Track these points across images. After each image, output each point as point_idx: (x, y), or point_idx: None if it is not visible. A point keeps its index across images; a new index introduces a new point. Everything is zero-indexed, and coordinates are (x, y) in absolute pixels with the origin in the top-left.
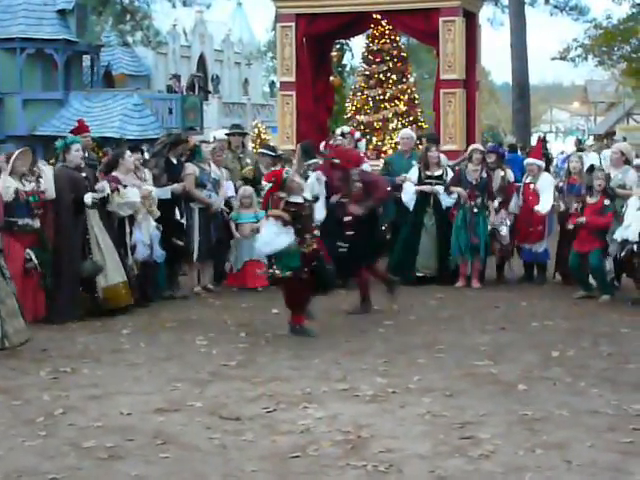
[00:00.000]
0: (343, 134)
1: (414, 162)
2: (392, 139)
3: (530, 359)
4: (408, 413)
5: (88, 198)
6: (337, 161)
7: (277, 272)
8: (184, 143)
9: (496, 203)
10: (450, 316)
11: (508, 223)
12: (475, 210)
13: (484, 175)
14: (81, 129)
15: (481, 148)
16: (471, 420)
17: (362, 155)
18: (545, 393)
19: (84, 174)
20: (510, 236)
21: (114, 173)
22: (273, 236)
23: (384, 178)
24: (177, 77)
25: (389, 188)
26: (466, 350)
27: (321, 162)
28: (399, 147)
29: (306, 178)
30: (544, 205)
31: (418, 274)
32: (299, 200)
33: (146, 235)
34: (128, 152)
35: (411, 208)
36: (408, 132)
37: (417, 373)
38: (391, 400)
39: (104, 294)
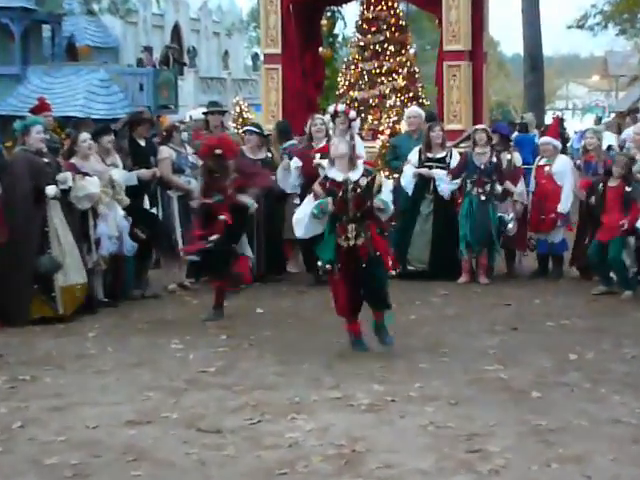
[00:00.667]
0: (336, 113)
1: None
2: (389, 117)
3: (544, 363)
4: (409, 424)
5: (51, 190)
6: (219, 151)
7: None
8: (147, 121)
9: (499, 189)
10: (455, 315)
11: (512, 213)
12: (483, 198)
13: (494, 159)
14: (42, 108)
15: (485, 127)
16: (479, 431)
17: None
18: (561, 401)
19: (46, 160)
20: (521, 226)
21: (72, 160)
22: (305, 218)
23: (264, 170)
24: (149, 49)
25: (272, 178)
26: (473, 353)
27: (301, 145)
28: (403, 127)
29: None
30: (564, 205)
31: (409, 267)
32: (338, 178)
33: (112, 227)
34: (83, 135)
35: (410, 192)
36: (415, 110)
37: (418, 379)
38: (389, 409)
39: (61, 295)
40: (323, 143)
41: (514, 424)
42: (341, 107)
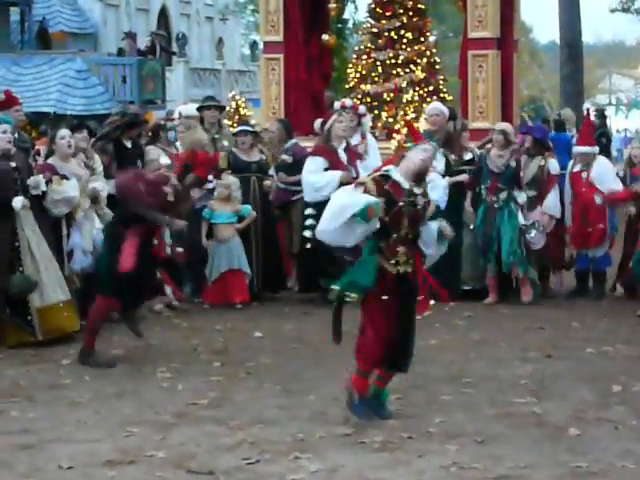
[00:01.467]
0: (344, 108)
1: None
2: (406, 114)
3: (584, 395)
4: (428, 465)
5: (17, 203)
6: (189, 165)
7: (336, 289)
8: (142, 125)
9: (524, 197)
10: (481, 340)
11: (541, 226)
12: (496, 206)
13: (512, 163)
14: (9, 102)
15: (505, 128)
16: (510, 474)
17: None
18: (604, 439)
19: (13, 164)
20: (553, 242)
21: (50, 160)
22: (341, 216)
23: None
24: (132, 36)
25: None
26: (502, 384)
27: (307, 144)
28: (421, 125)
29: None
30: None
31: (465, 287)
32: (404, 184)
33: (87, 239)
34: (62, 131)
35: (442, 206)
36: (438, 107)
37: (439, 413)
38: (406, 448)
39: (39, 318)
40: (344, 144)
41: (549, 466)
42: (349, 102)
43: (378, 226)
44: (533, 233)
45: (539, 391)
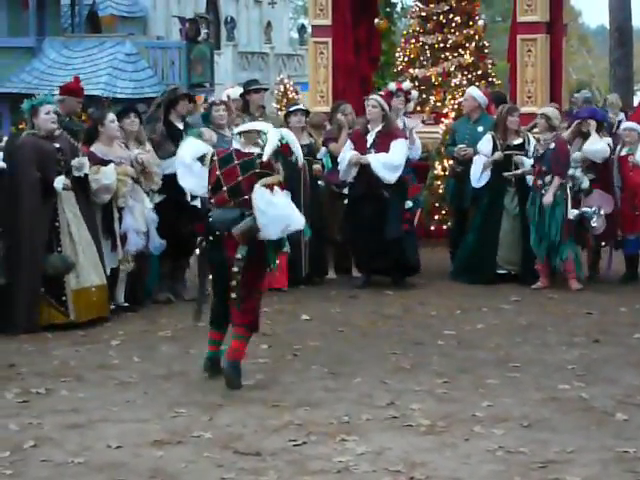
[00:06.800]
0: (392, 92)
1: (480, 128)
2: (454, 98)
3: (631, 380)
4: (474, 448)
5: (59, 183)
6: None
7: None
8: (185, 99)
9: (586, 182)
10: (528, 325)
11: (598, 208)
12: (543, 191)
13: (551, 145)
14: (76, 90)
15: (547, 111)
16: (556, 458)
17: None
18: None
19: (57, 145)
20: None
21: (93, 146)
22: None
23: None
24: (181, 20)
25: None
26: (549, 368)
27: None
28: (463, 109)
29: None
30: None
31: (500, 271)
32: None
33: (140, 220)
34: (111, 115)
35: (477, 186)
36: (472, 90)
37: (486, 397)
38: (453, 431)
39: (73, 299)
40: (379, 127)
41: (596, 450)
42: (392, 85)
43: None
44: (596, 221)
45: (586, 376)
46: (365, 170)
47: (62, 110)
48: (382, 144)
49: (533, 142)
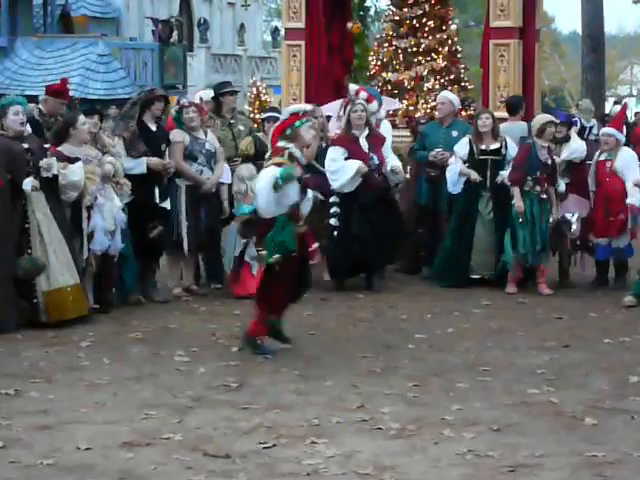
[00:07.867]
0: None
1: (455, 133)
2: (427, 103)
3: (600, 385)
4: (444, 452)
5: (27, 184)
6: None
7: (262, 253)
8: (161, 101)
9: (563, 186)
10: (499, 329)
11: (577, 213)
12: (544, 196)
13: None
14: (62, 93)
15: (554, 119)
16: (525, 462)
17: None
18: (620, 429)
19: (26, 145)
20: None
21: (61, 146)
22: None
23: None
24: (155, 21)
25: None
26: (519, 373)
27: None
28: (436, 114)
29: None
30: (634, 196)
31: (473, 276)
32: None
33: (108, 220)
34: (82, 118)
35: (453, 192)
36: (443, 94)
37: (456, 401)
38: (422, 435)
39: (45, 300)
40: (366, 132)
41: (565, 455)
42: (353, 87)
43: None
44: (575, 225)
45: (556, 380)
46: (367, 177)
47: (45, 110)
48: (375, 148)
49: (512, 146)
